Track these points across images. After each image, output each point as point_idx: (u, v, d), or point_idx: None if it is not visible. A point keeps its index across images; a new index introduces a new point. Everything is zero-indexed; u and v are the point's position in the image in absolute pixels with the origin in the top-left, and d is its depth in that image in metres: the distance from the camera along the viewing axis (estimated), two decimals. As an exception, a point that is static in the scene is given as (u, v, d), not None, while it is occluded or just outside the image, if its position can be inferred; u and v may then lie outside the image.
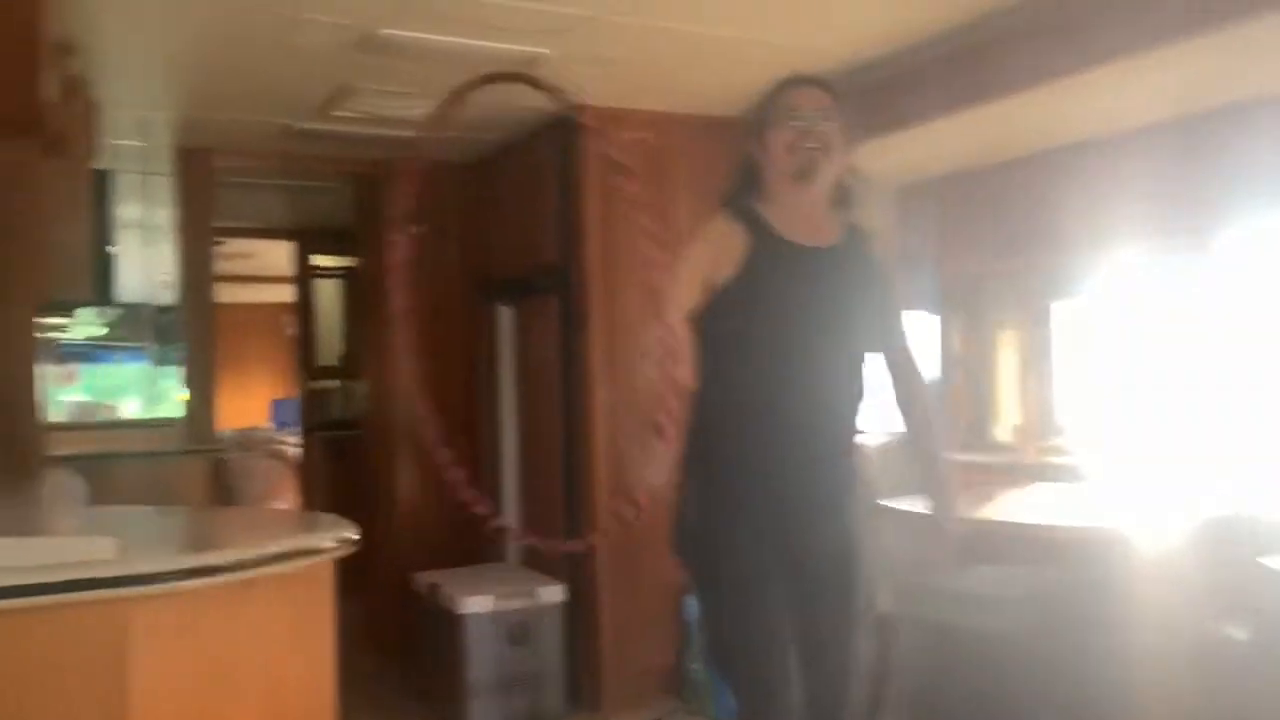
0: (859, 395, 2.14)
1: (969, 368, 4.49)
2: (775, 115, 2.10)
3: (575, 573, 4.05)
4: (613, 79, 3.71)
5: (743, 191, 2.17)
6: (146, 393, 4.19)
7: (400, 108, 3.96)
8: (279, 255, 7.05)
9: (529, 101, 3.91)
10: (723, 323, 2.06)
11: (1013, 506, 3.43)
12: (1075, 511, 3.26)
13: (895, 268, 2.26)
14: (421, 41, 3.24)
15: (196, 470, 3.98)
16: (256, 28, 3.18)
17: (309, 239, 6.58)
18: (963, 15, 3.23)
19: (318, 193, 5.65)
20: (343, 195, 5.31)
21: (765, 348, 2.07)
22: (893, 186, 4.45)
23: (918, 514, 3.55)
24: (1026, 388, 4.26)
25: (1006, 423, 4.35)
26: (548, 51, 3.40)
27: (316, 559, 1.56)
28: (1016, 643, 3.23)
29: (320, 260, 6.72)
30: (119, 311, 6.21)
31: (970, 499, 3.65)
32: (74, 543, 1.36)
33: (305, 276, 6.69)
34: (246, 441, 7.66)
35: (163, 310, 4.71)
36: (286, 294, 7.55)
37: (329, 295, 6.92)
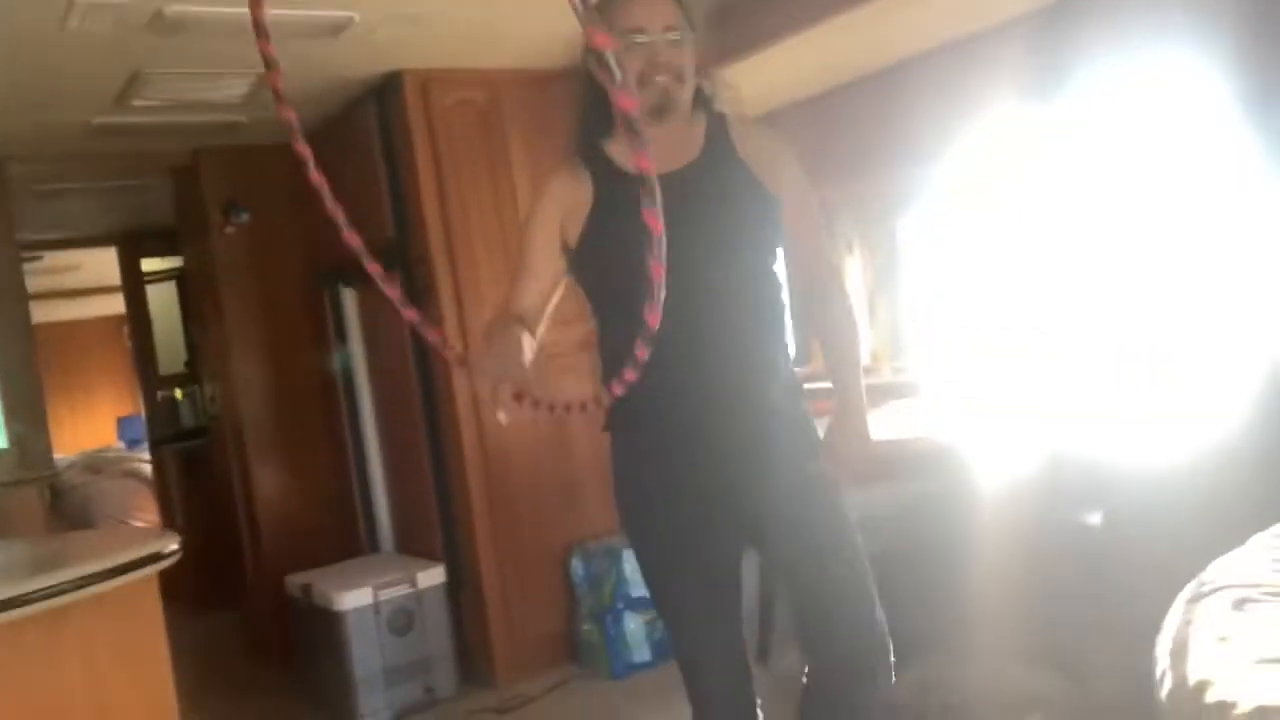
0: (766, 319, 1.90)
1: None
2: (616, 37, 1.77)
3: (454, 551, 3.96)
4: (430, 39, 3.55)
5: (592, 126, 1.92)
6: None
7: (205, 90, 3.73)
8: (107, 263, 6.64)
9: (344, 70, 3.75)
10: (586, 280, 1.93)
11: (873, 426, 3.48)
12: (932, 426, 3.34)
13: (788, 157, 1.95)
14: (215, 15, 3.02)
15: (30, 500, 3.72)
16: (30, 19, 2.92)
17: (134, 242, 6.22)
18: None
19: (135, 192, 5.31)
20: (162, 191, 5.01)
21: (630, 298, 1.81)
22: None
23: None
24: (877, 309, 4.34)
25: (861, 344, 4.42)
26: (355, 15, 3.23)
27: (132, 576, 1.43)
28: (891, 557, 3.29)
29: (150, 264, 6.37)
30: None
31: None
32: None
33: (135, 283, 6.33)
34: (96, 463, 7.24)
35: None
36: (120, 304, 7.14)
37: (164, 300, 6.57)
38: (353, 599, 3.68)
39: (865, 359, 4.42)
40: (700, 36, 1.88)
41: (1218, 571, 2.13)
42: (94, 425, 9.33)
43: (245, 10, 2.91)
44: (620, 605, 3.76)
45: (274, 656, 4.39)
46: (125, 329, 8.93)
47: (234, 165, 4.54)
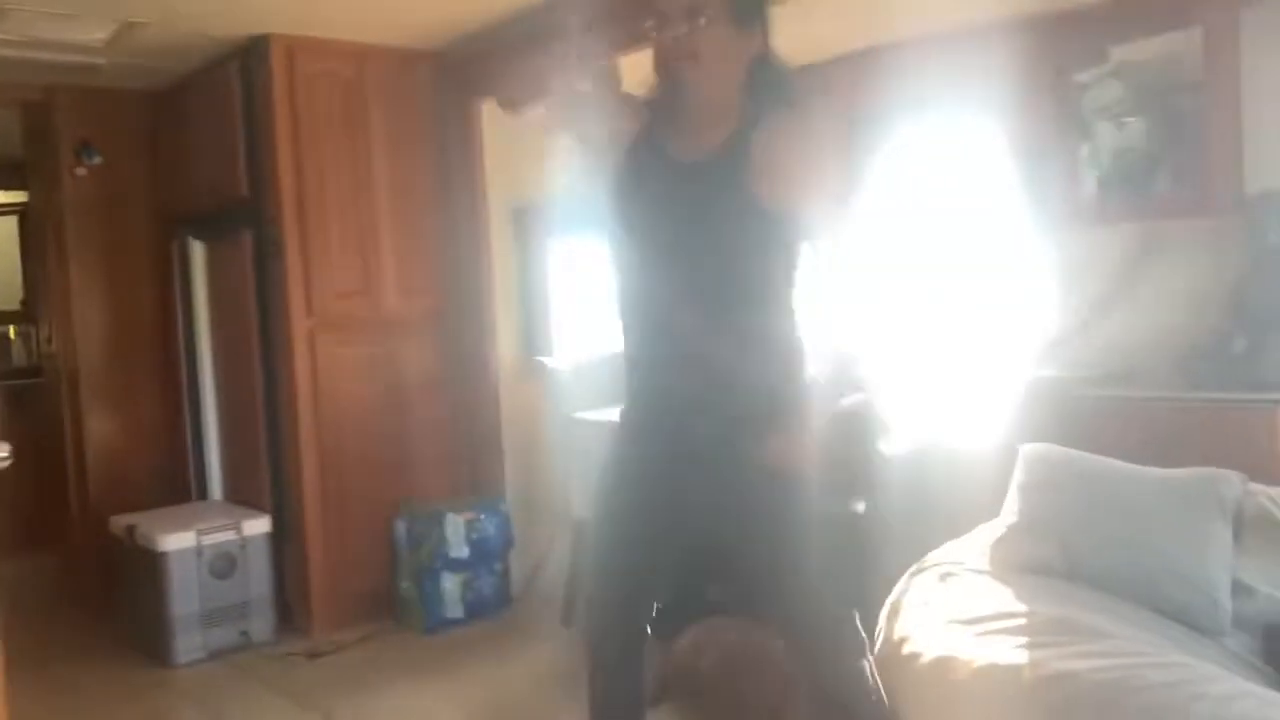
0: (754, 329, 1.90)
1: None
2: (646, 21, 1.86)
3: (282, 503, 4.10)
4: (306, 7, 3.68)
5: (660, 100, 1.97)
6: None
7: (66, 30, 3.76)
8: (-59, 192, 6.43)
9: (213, 29, 3.84)
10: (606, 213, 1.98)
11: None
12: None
13: (817, 165, 1.92)
14: (83, -39, 3.10)
15: None
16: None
17: (-26, 173, 6.06)
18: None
19: (-19, 122, 5.21)
20: (10, 125, 4.94)
21: (624, 270, 1.96)
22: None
23: (607, 423, 3.88)
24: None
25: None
26: (225, -22, 3.34)
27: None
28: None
29: (-9, 197, 6.21)
30: None
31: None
32: None
33: (-27, 214, 6.16)
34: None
35: None
36: (-47, 235, 6.89)
37: (5, 234, 6.42)
38: (175, 540, 3.78)
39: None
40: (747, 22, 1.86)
41: (939, 553, 2.51)
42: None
43: None
44: (438, 565, 3.98)
45: (94, 599, 4.42)
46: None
47: (90, 106, 4.53)
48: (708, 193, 1.86)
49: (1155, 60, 3.21)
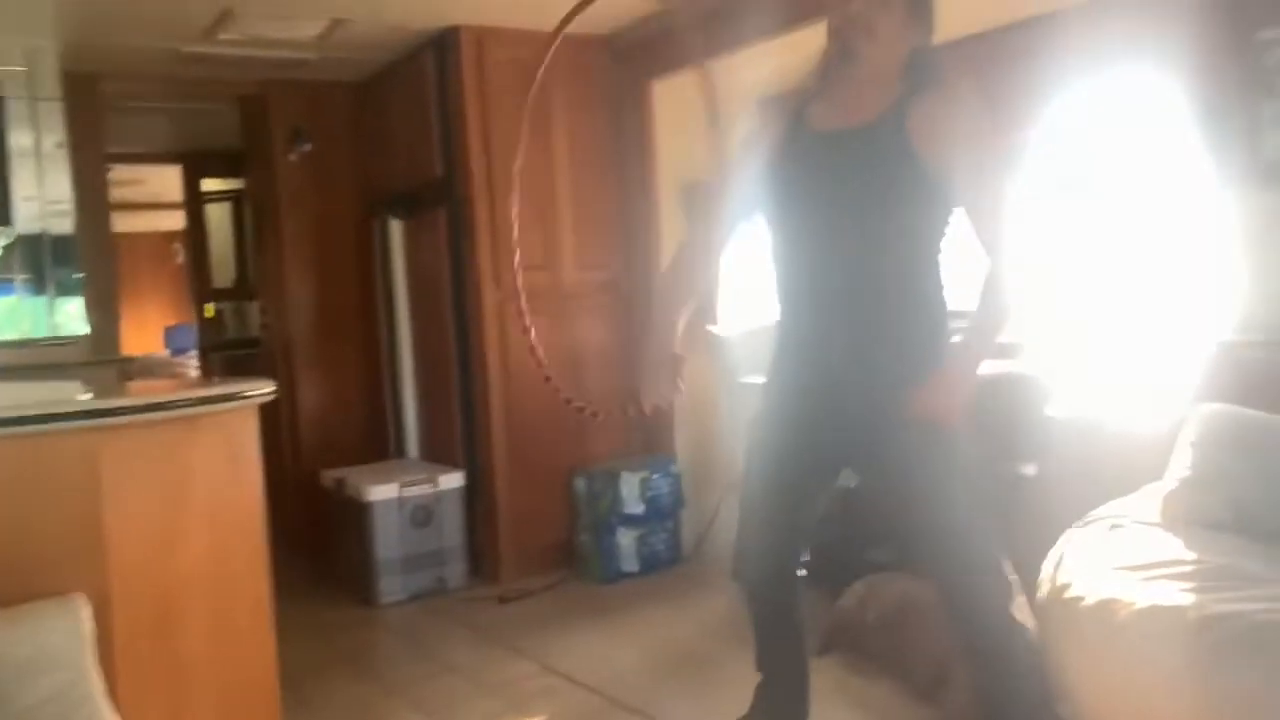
0: (908, 287, 2.05)
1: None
2: None
3: (473, 461, 4.43)
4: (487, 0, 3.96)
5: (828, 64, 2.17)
6: (46, 321, 4.36)
7: (284, 29, 4.16)
8: (167, 181, 7.12)
9: (410, 21, 4.17)
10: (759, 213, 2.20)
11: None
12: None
13: (966, 129, 2.02)
14: (304, -34, 3.44)
15: (109, 378, 4.20)
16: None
17: (197, 163, 6.70)
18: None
19: (204, 116, 5.76)
20: (229, 117, 5.45)
21: (780, 240, 2.15)
22: (757, 98, 4.82)
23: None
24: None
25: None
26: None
27: (244, 403, 1.90)
28: (853, 493, 3.72)
29: (210, 184, 6.84)
30: (10, 241, 6.26)
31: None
32: (51, 386, 1.67)
33: (196, 201, 6.81)
34: (148, 365, 7.76)
35: (59, 239, 4.85)
36: (174, 221, 7.62)
37: (220, 219, 7.05)
38: (380, 492, 4.16)
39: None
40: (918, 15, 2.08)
41: (1105, 509, 2.56)
42: (139, 334, 9.86)
43: None
44: (615, 520, 4.23)
45: (307, 545, 4.89)
46: (175, 245, 9.44)
47: (300, 98, 4.98)
48: (870, 153, 2.03)
49: (1347, 15, 3.10)
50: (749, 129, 2.22)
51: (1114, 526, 2.39)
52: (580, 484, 4.35)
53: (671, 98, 4.53)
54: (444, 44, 4.35)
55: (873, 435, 2.07)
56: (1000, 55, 3.71)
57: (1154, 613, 1.96)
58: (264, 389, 1.97)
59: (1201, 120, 3.37)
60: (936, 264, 2.09)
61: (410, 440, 4.84)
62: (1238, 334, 3.19)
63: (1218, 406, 2.60)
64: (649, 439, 4.59)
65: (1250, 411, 2.56)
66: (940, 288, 2.09)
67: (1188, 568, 2.08)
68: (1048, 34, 3.55)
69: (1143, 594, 2.02)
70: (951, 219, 2.07)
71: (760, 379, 3.96)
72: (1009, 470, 3.28)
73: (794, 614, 2.34)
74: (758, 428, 2.27)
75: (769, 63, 3.89)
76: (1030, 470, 3.24)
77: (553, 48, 2.60)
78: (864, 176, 2.03)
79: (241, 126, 5.39)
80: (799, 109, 2.16)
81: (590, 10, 4.15)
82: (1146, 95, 3.46)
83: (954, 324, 2.12)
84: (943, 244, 2.09)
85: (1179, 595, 1.97)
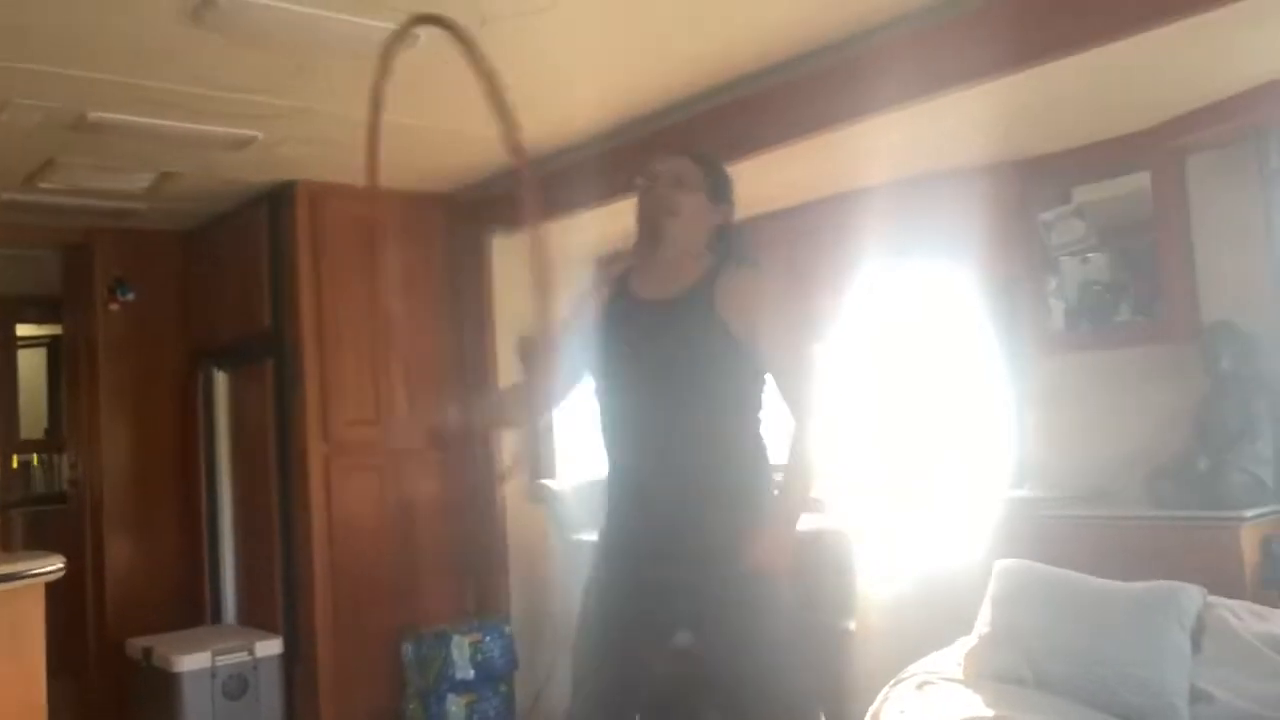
0: (722, 446, 2.15)
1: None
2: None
3: (294, 625, 4.22)
4: (325, 157, 3.99)
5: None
6: None
7: (109, 181, 4.08)
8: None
9: (241, 174, 4.16)
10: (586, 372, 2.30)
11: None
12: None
13: (771, 305, 2.22)
14: (132, 123, 3.41)
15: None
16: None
17: (10, 307, 6.39)
18: (656, 102, 3.56)
19: (22, 261, 5.54)
20: (49, 263, 5.26)
21: (605, 400, 2.24)
22: (592, 256, 4.97)
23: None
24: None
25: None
26: (259, 134, 3.65)
27: (28, 581, 1.78)
28: (687, 654, 3.72)
29: (24, 330, 6.52)
30: None
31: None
32: None
33: (7, 346, 6.46)
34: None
35: None
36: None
37: (33, 365, 6.71)
38: (190, 662, 3.91)
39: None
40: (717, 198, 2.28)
41: (918, 665, 2.65)
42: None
43: (157, 121, 3.30)
44: (444, 687, 4.08)
45: (107, 720, 4.52)
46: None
47: (125, 246, 4.86)
48: (682, 323, 2.16)
49: (1113, 200, 3.46)
50: (579, 291, 2.35)
51: (922, 684, 2.47)
52: (408, 649, 4.20)
53: (510, 253, 4.63)
54: (278, 196, 4.35)
55: (702, 589, 2.10)
56: (809, 228, 3.97)
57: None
58: (51, 566, 1.85)
59: (993, 293, 3.67)
60: (753, 422, 2.20)
61: (228, 604, 4.60)
62: (1031, 490, 3.41)
63: (1013, 562, 2.75)
64: (481, 598, 4.49)
65: (1041, 566, 2.72)
66: (758, 444, 2.20)
67: (988, 726, 2.16)
68: (853, 209, 3.82)
69: (946, 754, 2.08)
70: (763, 383, 2.20)
71: (592, 536, 3.99)
72: (832, 625, 3.35)
73: None
74: (589, 595, 2.28)
75: (598, 227, 4.04)
76: (850, 625, 3.33)
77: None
78: (677, 344, 2.14)
79: (62, 272, 5.20)
80: (624, 275, 2.29)
81: (429, 168, 4.29)
82: (944, 270, 3.76)
83: (775, 476, 2.22)
84: (757, 405, 2.21)
85: (979, 754, 2.03)
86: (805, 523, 3.64)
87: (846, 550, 3.37)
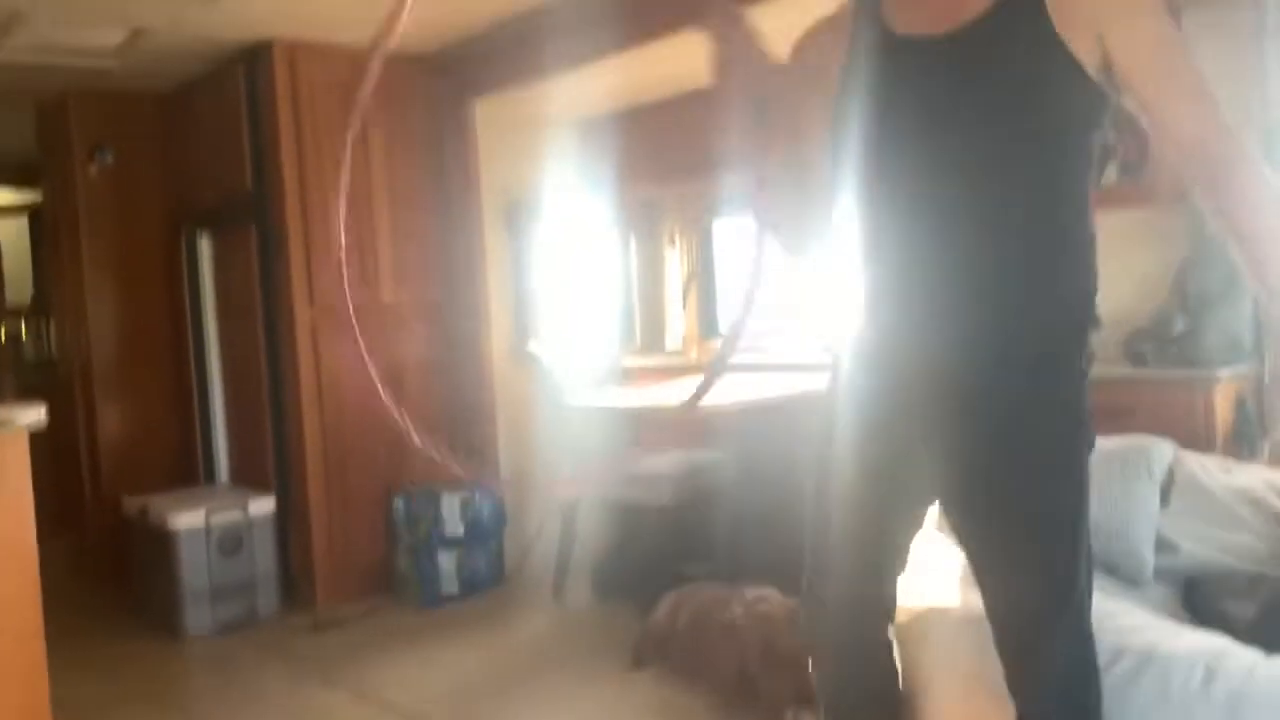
0: (1052, 241, 1.47)
1: (645, 282, 5.06)
2: None
3: (286, 482, 4.31)
4: (301, 13, 3.87)
5: None
6: None
7: (80, 37, 3.97)
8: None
9: (215, 32, 4.04)
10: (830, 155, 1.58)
11: (665, 394, 4.01)
12: (719, 395, 3.87)
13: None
14: (99, -28, 3.30)
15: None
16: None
17: (-12, 173, 6.28)
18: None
19: (-6, 123, 5.42)
20: (24, 127, 5.15)
21: (857, 202, 1.53)
22: (575, 120, 4.91)
23: (595, 407, 4.10)
24: (690, 297, 4.88)
25: (675, 329, 4.97)
26: (231, -13, 3.54)
27: (11, 431, 1.81)
28: (670, 512, 3.83)
29: (4, 198, 6.43)
30: None
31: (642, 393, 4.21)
32: None
33: (-13, 213, 6.39)
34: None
35: None
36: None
37: (14, 233, 6.64)
38: (185, 520, 3.99)
39: (677, 341, 4.96)
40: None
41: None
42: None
43: None
44: (435, 542, 4.19)
45: (108, 577, 4.63)
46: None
47: (102, 108, 4.75)
48: (1002, 56, 1.42)
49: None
50: (809, 32, 1.62)
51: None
52: (399, 505, 4.29)
53: (494, 117, 4.55)
54: (255, 58, 4.24)
55: (998, 446, 1.50)
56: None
57: (929, 615, 2.10)
58: (33, 414, 1.87)
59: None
60: (1086, 201, 1.50)
61: (221, 465, 4.67)
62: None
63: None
64: (470, 459, 4.57)
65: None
66: (1090, 233, 1.50)
67: (958, 569, 2.23)
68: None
69: (921, 600, 2.16)
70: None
71: (578, 400, 4.04)
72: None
73: (889, 655, 1.74)
74: (830, 463, 1.64)
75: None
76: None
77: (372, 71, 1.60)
78: (1003, 88, 1.42)
79: (37, 136, 5.10)
80: (871, 6, 1.53)
81: (411, 27, 4.15)
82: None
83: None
84: (1091, 175, 1.52)
85: (948, 596, 2.11)
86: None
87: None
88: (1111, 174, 3.37)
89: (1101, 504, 2.45)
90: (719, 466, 3.85)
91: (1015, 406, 1.50)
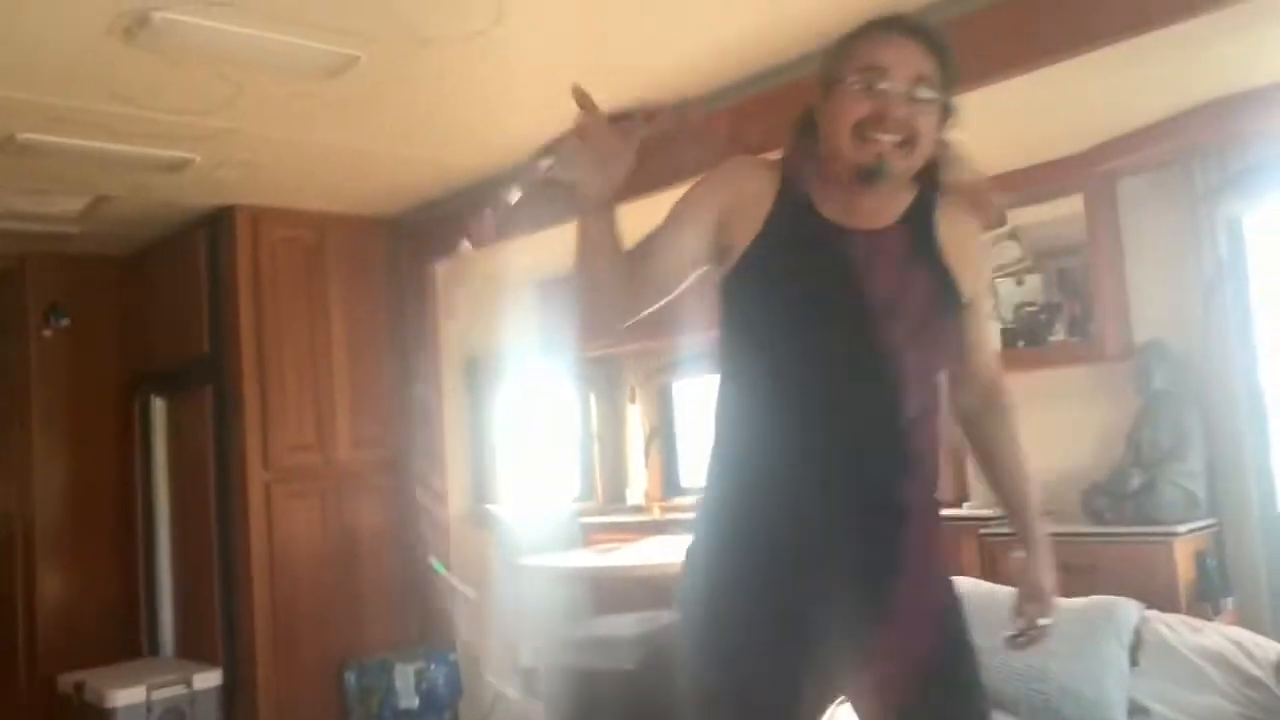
0: (928, 435, 1.54)
1: (605, 439, 5.05)
2: (846, 71, 1.49)
3: (234, 656, 4.13)
4: (264, 180, 3.94)
5: (796, 156, 1.61)
6: None
7: (42, 204, 4.00)
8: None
9: (178, 197, 4.10)
10: (732, 312, 1.60)
11: (627, 555, 3.94)
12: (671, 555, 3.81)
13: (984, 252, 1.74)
14: (63, 145, 3.34)
15: None
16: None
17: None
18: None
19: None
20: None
21: (784, 366, 1.53)
22: (535, 279, 4.97)
23: (554, 569, 4.01)
24: (651, 455, 4.86)
25: (637, 486, 4.93)
26: (195, 157, 3.59)
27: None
28: (633, 677, 3.70)
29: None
30: None
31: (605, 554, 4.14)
32: None
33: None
34: None
35: None
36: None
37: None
38: (125, 697, 3.80)
39: (639, 498, 4.91)
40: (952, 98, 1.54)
41: (861, 683, 2.63)
42: None
43: (90, 143, 3.15)
44: (388, 715, 4.01)
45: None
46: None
47: (60, 271, 4.75)
48: (904, 264, 1.54)
49: (1047, 223, 3.53)
50: (732, 174, 1.63)
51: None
52: (351, 678, 4.12)
53: (455, 275, 4.60)
54: (217, 222, 4.29)
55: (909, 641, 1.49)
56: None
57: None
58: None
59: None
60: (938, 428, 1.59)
61: (165, 635, 4.48)
62: (971, 508, 3.43)
63: (955, 580, 2.76)
64: (424, 626, 4.43)
65: (984, 584, 2.74)
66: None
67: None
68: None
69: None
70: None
71: (537, 561, 3.95)
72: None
73: None
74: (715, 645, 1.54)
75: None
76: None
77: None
78: (904, 294, 1.52)
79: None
80: (797, 185, 1.57)
81: (372, 192, 4.24)
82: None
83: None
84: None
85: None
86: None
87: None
88: (1060, 332, 3.46)
89: (1071, 666, 2.42)
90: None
91: None
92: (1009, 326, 3.53)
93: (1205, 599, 2.96)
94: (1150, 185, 3.35)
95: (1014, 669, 2.46)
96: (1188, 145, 3.13)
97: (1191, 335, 3.20)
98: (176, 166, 3.65)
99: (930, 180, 1.59)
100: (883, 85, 1.46)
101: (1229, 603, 3.01)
